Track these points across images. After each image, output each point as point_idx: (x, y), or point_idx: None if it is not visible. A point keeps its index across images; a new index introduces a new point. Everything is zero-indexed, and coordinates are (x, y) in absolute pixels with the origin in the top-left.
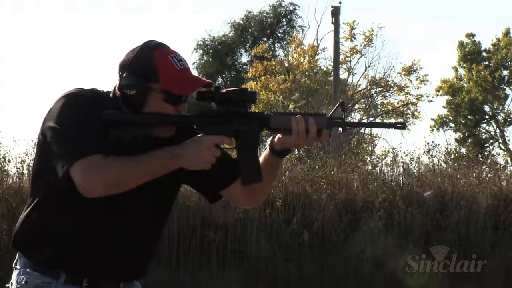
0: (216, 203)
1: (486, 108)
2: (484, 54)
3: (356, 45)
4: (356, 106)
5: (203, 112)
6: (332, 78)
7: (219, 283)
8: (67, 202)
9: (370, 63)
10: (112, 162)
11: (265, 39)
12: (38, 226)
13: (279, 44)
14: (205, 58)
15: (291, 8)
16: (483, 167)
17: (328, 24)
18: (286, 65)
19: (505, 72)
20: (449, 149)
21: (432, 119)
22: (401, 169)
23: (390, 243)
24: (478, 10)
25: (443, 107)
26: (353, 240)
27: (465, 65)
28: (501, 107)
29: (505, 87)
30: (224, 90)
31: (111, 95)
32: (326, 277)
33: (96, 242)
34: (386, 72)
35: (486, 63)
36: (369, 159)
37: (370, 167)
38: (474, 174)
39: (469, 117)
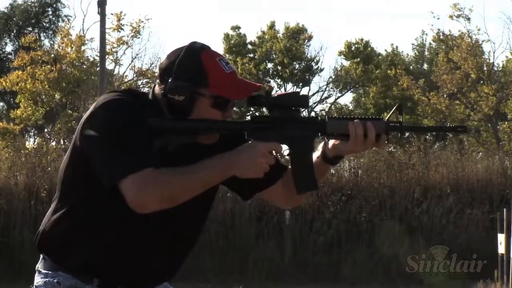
0: None
1: None
2: (250, 46)
3: (123, 36)
4: None
5: (253, 118)
6: (98, 68)
7: None
8: (107, 211)
9: (137, 54)
10: (166, 176)
11: (31, 29)
12: (72, 231)
13: (45, 34)
14: None
15: None
16: None
17: (94, 14)
18: (53, 55)
19: (270, 65)
20: None
21: None
22: None
23: None
24: (244, 3)
25: None
26: None
27: (230, 58)
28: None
29: (270, 80)
30: (276, 94)
31: (149, 96)
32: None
33: (134, 250)
34: (152, 64)
35: (251, 55)
36: None
37: None
38: None
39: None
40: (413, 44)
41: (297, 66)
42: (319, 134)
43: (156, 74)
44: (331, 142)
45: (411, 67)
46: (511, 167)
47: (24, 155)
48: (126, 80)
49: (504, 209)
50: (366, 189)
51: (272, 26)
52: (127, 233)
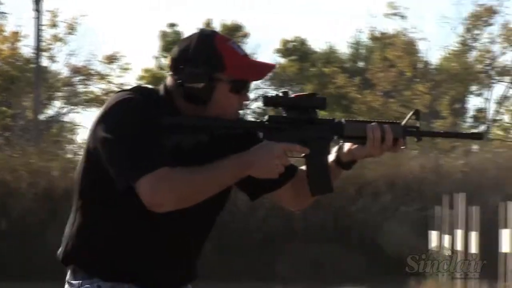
0: None
1: None
2: None
3: (59, 33)
4: (58, 94)
5: (270, 118)
6: (34, 65)
7: None
8: (124, 213)
9: (73, 51)
10: (181, 176)
11: None
12: (96, 239)
13: None
14: None
15: None
16: None
17: (30, 11)
18: None
19: None
20: None
21: None
22: None
23: None
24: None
25: None
26: (53, 229)
27: (166, 55)
28: None
29: None
30: (293, 95)
31: (161, 92)
32: (28, 266)
33: (160, 249)
34: (88, 61)
35: None
36: (70, 147)
37: (71, 155)
38: None
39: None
40: (348, 42)
41: None
42: (336, 136)
43: (92, 71)
44: (347, 146)
45: (346, 65)
46: (445, 165)
47: None
48: (61, 77)
49: (435, 207)
50: None
51: (208, 23)
52: (149, 232)
